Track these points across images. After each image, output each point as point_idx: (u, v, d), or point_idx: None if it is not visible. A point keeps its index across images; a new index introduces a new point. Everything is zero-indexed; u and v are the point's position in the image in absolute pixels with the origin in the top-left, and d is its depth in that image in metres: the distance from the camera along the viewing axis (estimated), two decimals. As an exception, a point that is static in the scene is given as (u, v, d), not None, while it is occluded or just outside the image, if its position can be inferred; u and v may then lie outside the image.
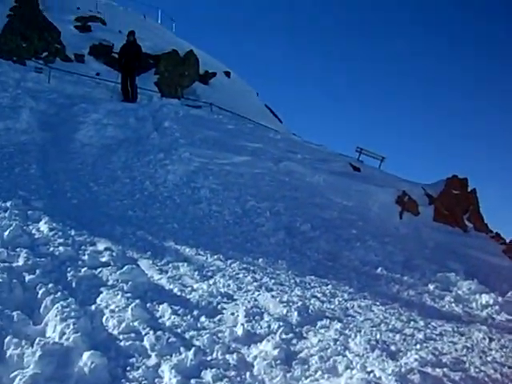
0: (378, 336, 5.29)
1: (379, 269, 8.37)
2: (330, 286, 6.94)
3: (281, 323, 5.15)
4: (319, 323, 5.44)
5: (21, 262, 5.61)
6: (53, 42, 23.58)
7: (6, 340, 4.08)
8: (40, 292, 4.99)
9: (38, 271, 5.43)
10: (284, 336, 4.93)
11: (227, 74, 31.09)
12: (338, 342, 4.92)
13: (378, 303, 6.63)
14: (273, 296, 5.95)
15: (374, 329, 5.56)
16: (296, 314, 5.47)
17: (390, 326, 5.77)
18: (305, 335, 5.13)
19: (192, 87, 26.14)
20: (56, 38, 23.98)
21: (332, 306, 6.12)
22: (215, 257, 7.14)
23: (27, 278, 5.27)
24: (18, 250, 5.92)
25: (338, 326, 5.38)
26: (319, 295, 6.46)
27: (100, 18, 29.82)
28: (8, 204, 7.45)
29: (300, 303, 5.78)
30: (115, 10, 33.98)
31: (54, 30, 24.32)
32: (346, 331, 5.28)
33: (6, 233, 6.27)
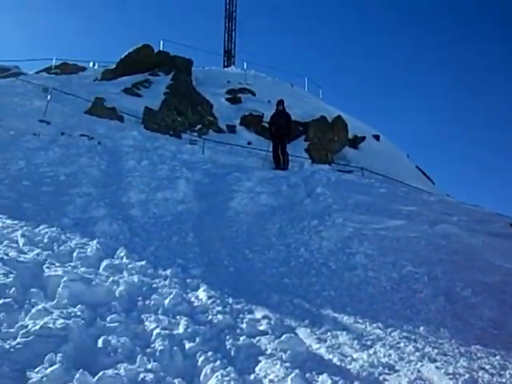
0: (558, 413, 4.85)
1: (552, 337, 7.77)
2: (498, 357, 6.46)
3: (448, 397, 4.87)
4: (490, 398, 5.09)
5: (181, 329, 5.71)
6: (206, 114, 24.67)
7: (169, 408, 4.12)
8: (200, 360, 5.04)
9: (197, 339, 5.49)
10: (452, 411, 4.66)
11: (376, 137, 31.04)
12: (512, 420, 4.57)
13: (554, 376, 6.10)
14: (437, 367, 5.64)
15: (553, 405, 5.10)
16: (463, 387, 5.16)
17: None
18: (474, 411, 4.81)
19: (342, 152, 26.27)
20: (209, 110, 25.07)
21: (503, 380, 5.67)
22: (374, 325, 6.91)
23: (187, 345, 5.35)
24: (178, 317, 6.04)
25: (511, 401, 5.01)
26: (487, 367, 6.03)
27: (249, 90, 30.95)
28: (168, 272, 7.68)
29: (467, 375, 5.44)
30: (263, 81, 35.14)
31: (207, 103, 25.46)
32: (521, 407, 4.89)
33: (167, 301, 6.43)
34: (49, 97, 21.04)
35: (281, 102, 19.30)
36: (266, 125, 23.04)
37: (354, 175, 19.37)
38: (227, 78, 33.61)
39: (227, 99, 28.92)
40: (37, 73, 33.26)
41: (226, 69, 40.94)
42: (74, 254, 7.65)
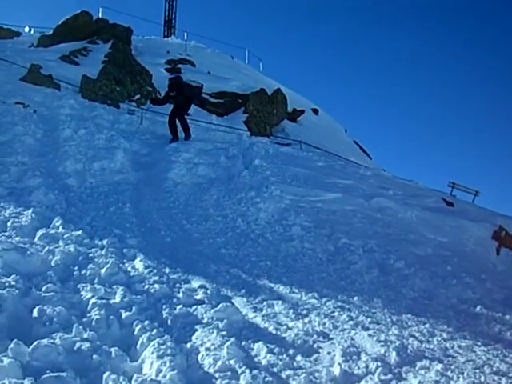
0: (482, 379, 5.03)
1: (478, 307, 8.00)
2: (427, 325, 6.69)
3: (379, 363, 5.00)
4: (419, 364, 5.24)
5: (118, 299, 5.70)
6: (145, 84, 24.34)
7: (105, 376, 4.14)
8: (136, 329, 5.05)
9: (134, 308, 5.49)
10: (383, 377, 4.79)
11: (315, 111, 31.24)
12: (439, 385, 4.74)
13: (479, 343, 6.29)
14: (369, 335, 5.79)
15: (477, 371, 5.26)
16: (394, 353, 5.31)
17: (495, 369, 5.42)
18: (404, 376, 4.96)
19: (281, 125, 26.34)
20: (148, 81, 24.75)
21: (431, 346, 5.89)
22: (309, 295, 7.04)
23: (124, 314, 5.34)
24: (114, 287, 6.01)
25: (439, 367, 5.17)
26: (417, 334, 6.24)
27: (189, 61, 30.68)
28: (104, 242, 7.62)
29: (398, 343, 5.61)
30: (203, 52, 34.91)
31: (146, 73, 25.12)
32: (448, 373, 5.06)
33: (103, 270, 6.40)
34: (-19, 62, 20.42)
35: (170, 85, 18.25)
36: (206, 96, 23.05)
37: (292, 148, 19.45)
38: (167, 48, 33.23)
39: (166, 69, 28.59)
40: (-32, 37, 32.17)
41: (166, 39, 40.42)
42: (9, 224, 7.53)
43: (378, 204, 12.22)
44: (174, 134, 17.00)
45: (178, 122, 17.33)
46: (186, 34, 38.32)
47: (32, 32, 36.50)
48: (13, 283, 5.42)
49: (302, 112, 28.94)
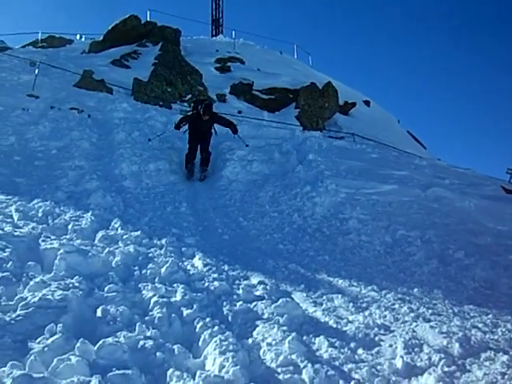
0: (553, 370, 4.91)
1: (544, 297, 7.82)
2: (490, 316, 6.54)
3: (442, 355, 4.92)
4: (483, 355, 5.11)
5: (178, 297, 5.77)
6: (195, 84, 24.56)
7: (169, 372, 4.21)
8: (198, 326, 5.11)
9: (195, 306, 5.55)
10: (446, 369, 4.70)
11: (367, 103, 31.06)
12: (506, 376, 4.60)
13: (547, 334, 6.17)
14: (431, 327, 5.70)
15: (547, 362, 5.15)
16: (457, 345, 5.20)
17: None
18: (468, 368, 4.84)
19: (333, 118, 26.27)
20: (198, 80, 24.97)
21: (495, 337, 5.74)
22: (369, 288, 6.98)
23: (185, 312, 5.41)
24: (175, 285, 6.11)
25: (505, 358, 5.02)
26: (480, 325, 6.10)
27: (238, 58, 30.86)
28: (163, 241, 7.74)
29: (461, 334, 5.50)
30: (252, 49, 35.03)
31: (196, 73, 25.35)
32: (514, 364, 4.96)
33: (163, 269, 6.49)
34: (36, 71, 20.78)
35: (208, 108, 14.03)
36: (257, 92, 23.10)
37: (345, 141, 19.36)
38: (216, 47, 33.48)
39: (216, 68, 28.82)
40: (23, 47, 32.92)
41: (214, 38, 40.72)
42: (69, 227, 7.70)
43: (435, 194, 12.03)
44: (190, 168, 13.52)
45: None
46: (233, 32, 38.44)
47: (83, 39, 37.21)
48: (76, 284, 5.55)
49: (354, 104, 28.82)
